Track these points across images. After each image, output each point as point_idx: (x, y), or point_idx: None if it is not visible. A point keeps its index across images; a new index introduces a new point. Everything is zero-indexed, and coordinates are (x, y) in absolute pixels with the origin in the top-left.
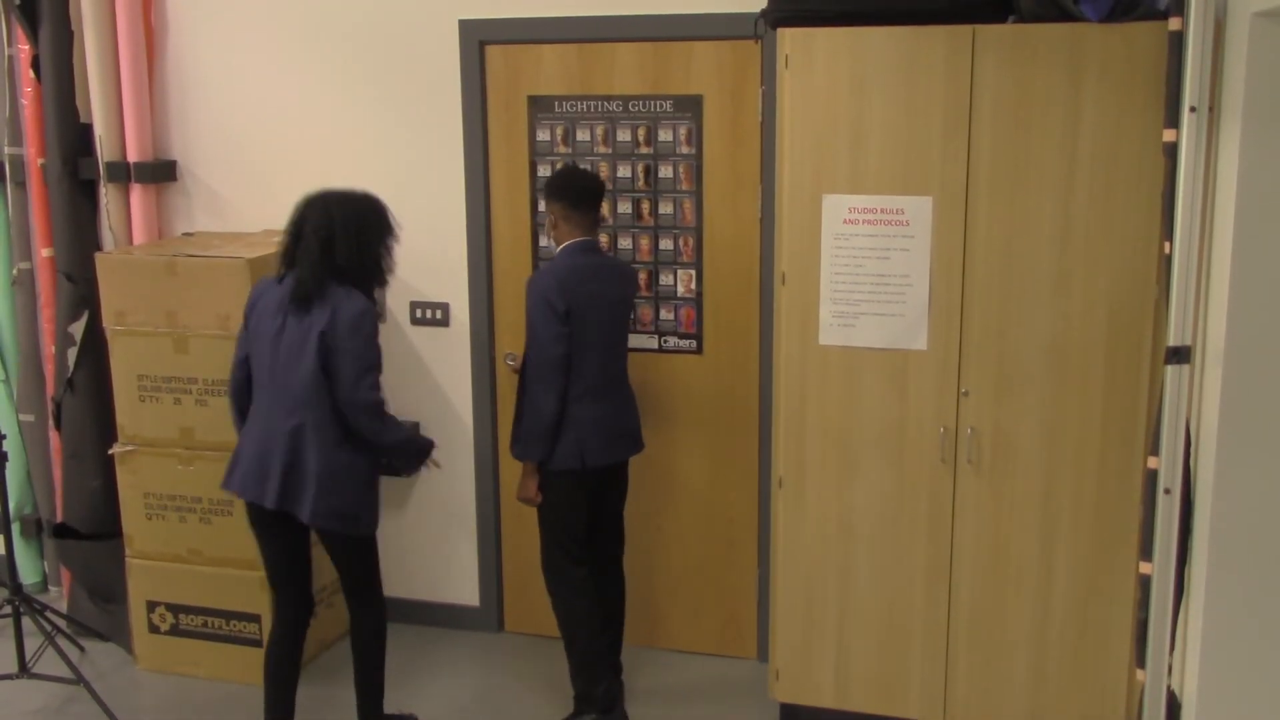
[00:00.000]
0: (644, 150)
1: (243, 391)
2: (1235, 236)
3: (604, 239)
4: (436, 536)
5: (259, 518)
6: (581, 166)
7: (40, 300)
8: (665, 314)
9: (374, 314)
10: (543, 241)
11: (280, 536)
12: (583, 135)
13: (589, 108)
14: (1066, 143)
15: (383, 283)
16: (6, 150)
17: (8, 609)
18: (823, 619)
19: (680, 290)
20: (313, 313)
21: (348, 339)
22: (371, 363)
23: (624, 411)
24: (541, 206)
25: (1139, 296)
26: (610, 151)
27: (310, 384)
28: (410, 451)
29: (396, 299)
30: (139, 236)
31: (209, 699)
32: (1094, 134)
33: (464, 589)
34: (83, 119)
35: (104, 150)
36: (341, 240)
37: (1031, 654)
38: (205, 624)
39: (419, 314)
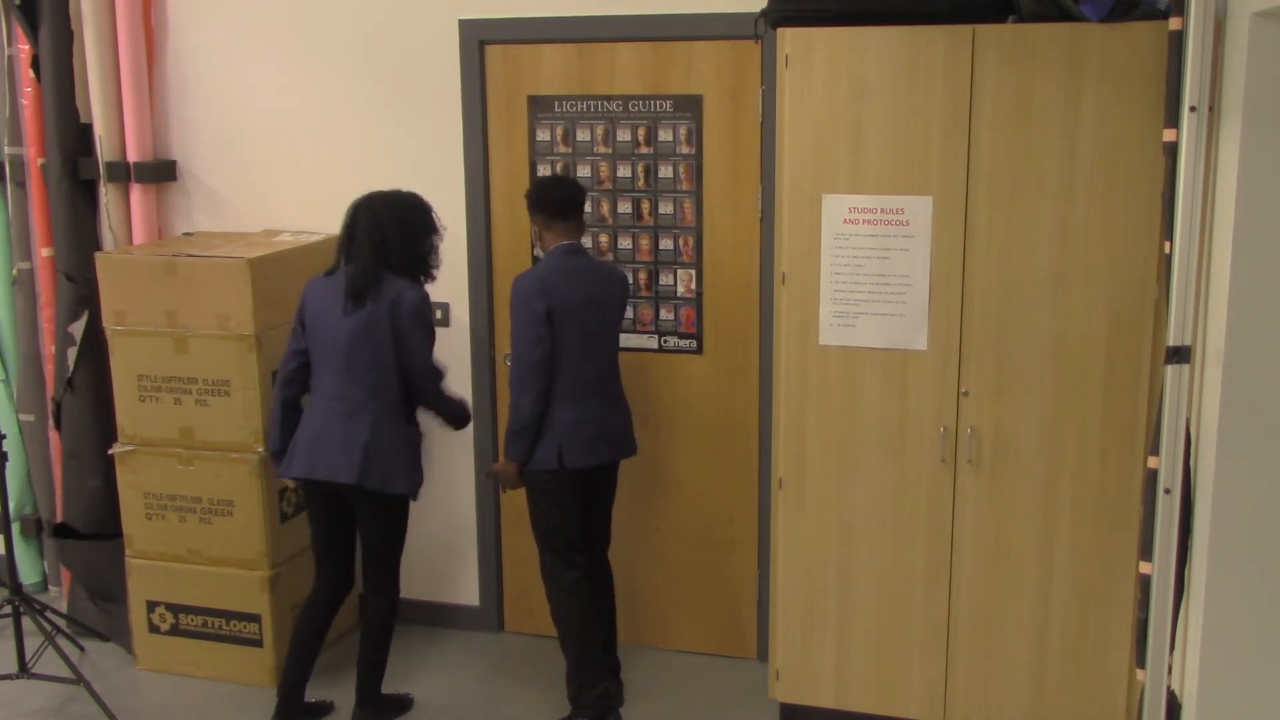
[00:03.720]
0: (644, 150)
1: (293, 382)
2: (1235, 236)
3: (604, 239)
4: (437, 537)
5: (312, 494)
6: (556, 173)
7: (40, 300)
8: (665, 314)
9: (429, 301)
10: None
11: (329, 512)
12: (583, 135)
13: (589, 108)
14: (1066, 143)
15: (430, 277)
16: (6, 150)
17: (8, 609)
18: (823, 619)
19: (680, 290)
20: (369, 305)
21: (413, 323)
22: (432, 342)
23: (609, 415)
24: None
25: (1139, 296)
26: (610, 151)
27: (380, 369)
28: (457, 414)
29: None
30: (139, 236)
31: (209, 699)
32: (1094, 134)
33: (464, 589)
34: (83, 119)
35: (104, 150)
36: (393, 239)
37: (1031, 654)
38: (205, 624)
39: None
